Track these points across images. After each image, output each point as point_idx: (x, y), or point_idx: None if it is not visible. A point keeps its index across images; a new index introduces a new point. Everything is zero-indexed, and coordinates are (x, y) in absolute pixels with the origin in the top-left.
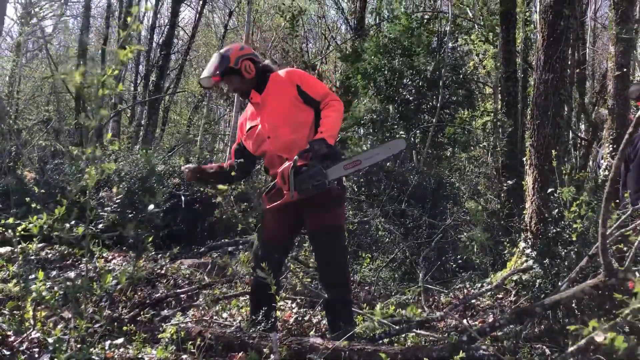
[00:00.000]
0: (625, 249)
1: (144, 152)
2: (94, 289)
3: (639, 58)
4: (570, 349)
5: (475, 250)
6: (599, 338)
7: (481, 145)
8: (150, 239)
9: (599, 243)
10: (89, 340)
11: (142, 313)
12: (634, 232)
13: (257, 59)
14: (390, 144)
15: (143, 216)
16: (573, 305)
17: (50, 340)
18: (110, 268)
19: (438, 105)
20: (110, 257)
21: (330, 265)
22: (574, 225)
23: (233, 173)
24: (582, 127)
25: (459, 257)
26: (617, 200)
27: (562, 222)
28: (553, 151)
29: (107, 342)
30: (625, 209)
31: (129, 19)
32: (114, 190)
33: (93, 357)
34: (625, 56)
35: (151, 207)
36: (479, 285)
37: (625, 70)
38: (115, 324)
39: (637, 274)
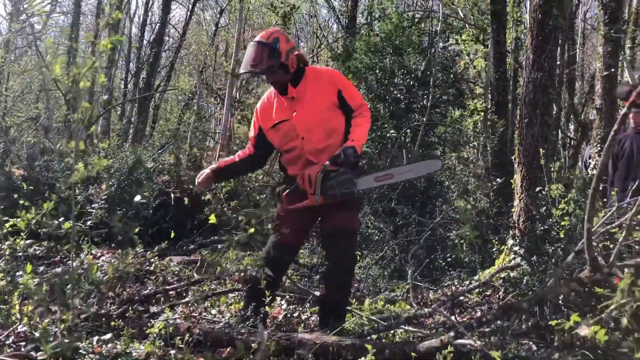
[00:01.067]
0: (611, 246)
1: (133, 145)
2: (81, 283)
3: (627, 58)
4: (556, 343)
5: (464, 248)
6: (583, 332)
7: (471, 145)
8: (137, 229)
9: (585, 239)
10: (75, 333)
11: (130, 309)
12: (620, 229)
13: (298, 50)
14: (426, 163)
15: (132, 213)
16: (560, 301)
17: (36, 334)
18: (98, 264)
19: (428, 104)
20: (98, 254)
21: (340, 267)
22: (562, 223)
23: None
24: (572, 127)
25: (448, 255)
26: (605, 199)
27: (550, 220)
28: (541, 150)
29: (95, 338)
30: (612, 206)
31: (106, 9)
32: (103, 186)
33: (80, 350)
34: (613, 56)
35: (138, 197)
36: (468, 282)
37: (613, 70)
38: (104, 319)
39: (625, 270)
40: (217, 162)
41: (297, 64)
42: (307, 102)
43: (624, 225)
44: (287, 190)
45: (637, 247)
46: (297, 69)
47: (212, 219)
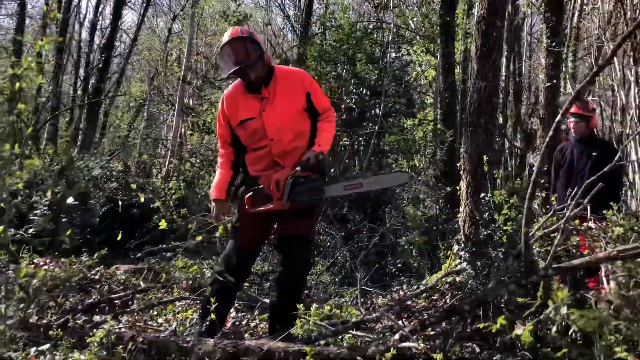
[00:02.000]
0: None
1: (66, 145)
2: (15, 291)
3: (570, 71)
4: (497, 345)
5: (413, 253)
6: (519, 331)
7: (421, 153)
8: (69, 232)
9: (522, 242)
10: (8, 343)
11: (72, 319)
12: (558, 233)
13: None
14: (395, 175)
15: (77, 220)
16: (501, 304)
17: None
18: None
19: (380, 113)
20: (41, 263)
21: (295, 274)
22: (504, 228)
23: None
24: (519, 136)
25: (397, 260)
26: (548, 206)
27: (493, 225)
28: (485, 157)
29: (33, 349)
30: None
31: (44, 8)
32: (48, 193)
33: None
34: (555, 68)
35: (70, 200)
36: (415, 287)
37: (555, 82)
38: (41, 330)
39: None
40: (215, 192)
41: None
42: (278, 104)
43: (560, 228)
44: (250, 193)
45: (573, 250)
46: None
47: (163, 224)
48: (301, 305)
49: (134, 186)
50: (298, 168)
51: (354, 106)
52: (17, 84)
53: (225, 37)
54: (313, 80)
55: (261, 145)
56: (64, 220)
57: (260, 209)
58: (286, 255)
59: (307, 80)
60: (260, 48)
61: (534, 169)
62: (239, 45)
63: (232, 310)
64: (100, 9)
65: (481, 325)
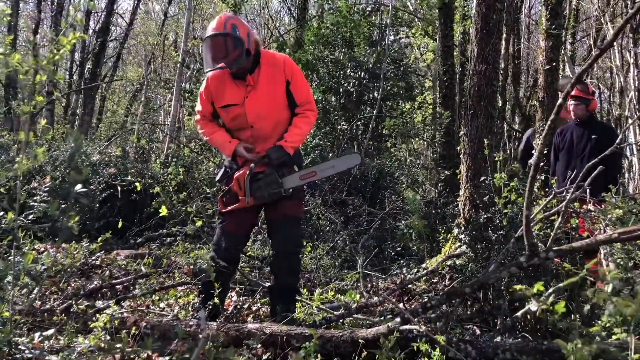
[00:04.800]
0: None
1: (75, 132)
2: (20, 277)
3: (568, 53)
4: (498, 327)
5: (413, 237)
6: (534, 307)
7: (420, 137)
8: (76, 218)
9: (523, 225)
10: (12, 328)
11: (75, 304)
12: (558, 216)
13: (253, 35)
14: (346, 157)
15: (77, 206)
16: (502, 287)
17: None
18: (36, 255)
19: (379, 97)
20: (42, 249)
21: (286, 254)
22: (504, 211)
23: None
24: (517, 119)
25: (397, 244)
26: (547, 189)
27: (493, 208)
28: (485, 140)
29: (37, 334)
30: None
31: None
32: (46, 179)
33: (20, 346)
34: (555, 51)
35: (78, 187)
36: (416, 270)
37: (554, 64)
38: (46, 315)
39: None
40: (227, 148)
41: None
42: (260, 91)
43: (560, 211)
44: (222, 193)
45: (573, 233)
46: (255, 53)
47: (163, 210)
48: (304, 289)
49: (130, 178)
50: (252, 165)
51: (352, 90)
52: (38, 77)
53: (208, 30)
54: (296, 69)
55: (241, 128)
56: (63, 206)
57: (232, 207)
58: (275, 237)
59: (288, 68)
60: (241, 45)
61: (534, 151)
62: (219, 42)
63: (233, 294)
64: None
65: (517, 287)
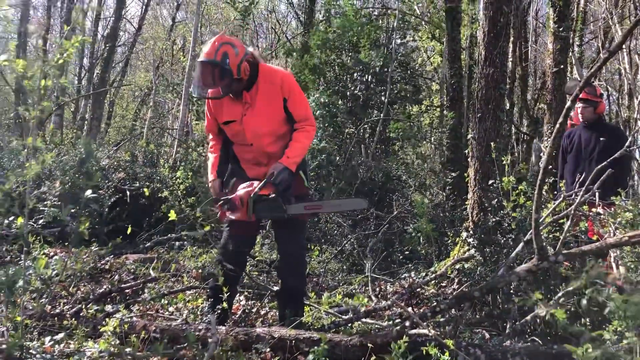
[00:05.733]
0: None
1: (85, 138)
2: (31, 281)
3: (576, 56)
4: (507, 330)
5: (421, 241)
6: (542, 312)
7: (427, 140)
8: (86, 224)
9: (532, 229)
10: (24, 332)
11: (84, 308)
12: (567, 219)
13: (249, 57)
14: (353, 200)
15: (87, 211)
16: (511, 290)
17: None
18: (48, 260)
19: (386, 100)
20: (51, 254)
21: (292, 256)
22: (513, 214)
23: None
24: (525, 122)
25: (405, 248)
26: (555, 192)
27: (502, 212)
28: (493, 143)
29: (47, 338)
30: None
31: (74, 14)
32: (57, 184)
33: (31, 350)
34: (562, 53)
35: (88, 192)
36: (424, 274)
37: (562, 67)
38: (56, 319)
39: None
40: (211, 174)
41: (250, 68)
42: (257, 109)
43: (569, 214)
44: (221, 202)
45: (582, 236)
46: (252, 71)
47: (172, 215)
48: (312, 293)
49: (138, 184)
50: (257, 189)
51: (359, 93)
52: (43, 82)
53: (201, 53)
54: (293, 87)
55: (243, 144)
56: (72, 211)
57: (232, 217)
58: (281, 240)
59: (286, 85)
60: (229, 76)
61: (542, 154)
62: (208, 70)
63: (242, 298)
64: None
65: (517, 300)
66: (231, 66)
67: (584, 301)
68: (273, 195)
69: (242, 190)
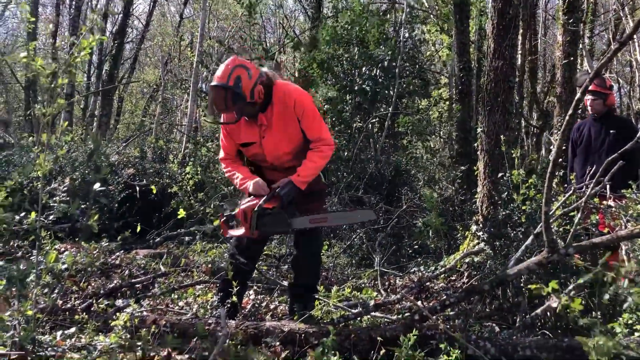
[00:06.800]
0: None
1: (92, 133)
2: (41, 275)
3: (586, 47)
4: (517, 324)
5: (430, 235)
6: (554, 304)
7: (436, 134)
8: (95, 217)
9: (542, 222)
10: (35, 325)
11: (95, 303)
12: (577, 212)
13: (263, 79)
14: (361, 212)
15: (97, 207)
16: (521, 284)
17: None
18: (59, 254)
19: (394, 94)
20: (62, 249)
21: (313, 257)
22: (523, 208)
23: None
24: (535, 115)
25: (414, 242)
26: (565, 185)
27: (512, 205)
28: (502, 136)
29: (59, 332)
30: (571, 191)
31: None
32: (67, 180)
33: (43, 344)
34: (572, 45)
35: (97, 185)
36: (433, 268)
37: (572, 59)
38: (67, 314)
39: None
40: (249, 184)
41: (265, 89)
42: (275, 131)
43: (579, 207)
44: (225, 218)
45: (593, 229)
46: (267, 92)
47: (182, 213)
48: (321, 287)
49: (145, 181)
50: (261, 203)
51: (367, 87)
52: (60, 80)
53: (214, 76)
54: (307, 107)
55: (262, 163)
56: (82, 206)
57: (234, 234)
58: (298, 238)
59: (299, 106)
60: (242, 100)
61: (553, 147)
62: (220, 94)
63: (251, 292)
64: None
65: (533, 287)
66: (244, 90)
67: (606, 295)
68: (277, 209)
69: (245, 204)
